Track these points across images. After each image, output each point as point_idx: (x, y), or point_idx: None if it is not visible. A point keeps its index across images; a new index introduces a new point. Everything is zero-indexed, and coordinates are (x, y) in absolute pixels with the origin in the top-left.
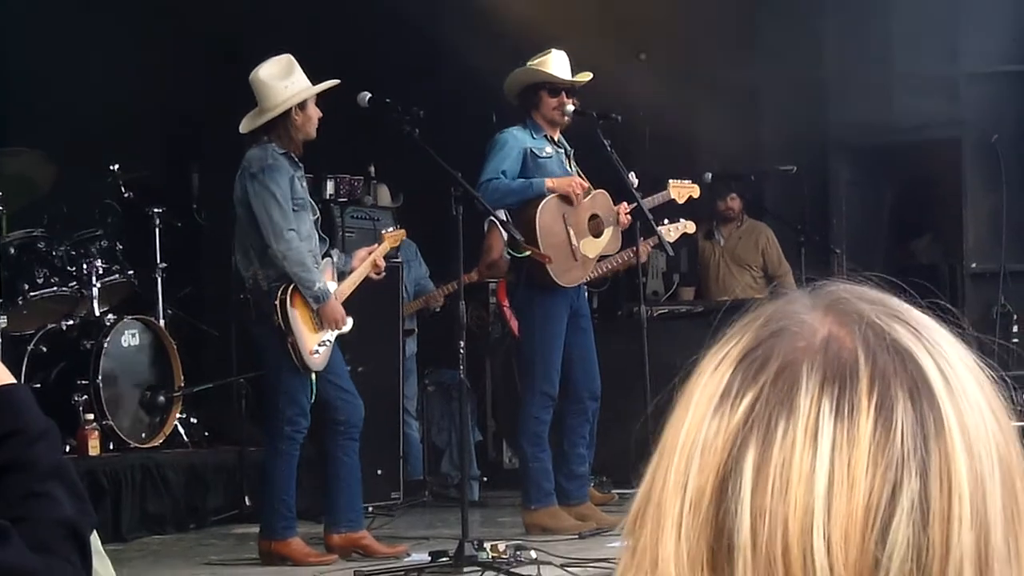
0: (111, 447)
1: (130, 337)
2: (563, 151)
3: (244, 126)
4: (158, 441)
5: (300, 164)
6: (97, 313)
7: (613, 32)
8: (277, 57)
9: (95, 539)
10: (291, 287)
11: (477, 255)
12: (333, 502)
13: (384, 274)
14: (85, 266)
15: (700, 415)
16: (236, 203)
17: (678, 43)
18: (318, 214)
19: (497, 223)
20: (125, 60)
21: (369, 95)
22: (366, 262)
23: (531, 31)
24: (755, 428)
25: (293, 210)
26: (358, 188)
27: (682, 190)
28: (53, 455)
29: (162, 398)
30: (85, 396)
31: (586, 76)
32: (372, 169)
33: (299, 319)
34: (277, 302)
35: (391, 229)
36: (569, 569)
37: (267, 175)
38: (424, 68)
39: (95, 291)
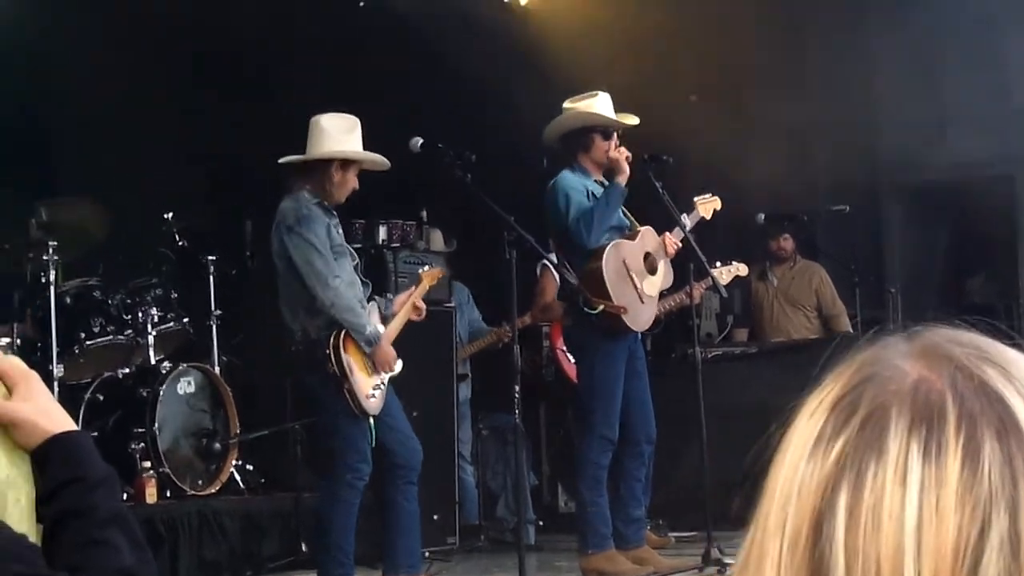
0: (168, 495)
1: (186, 385)
2: None
3: (285, 159)
4: (214, 488)
5: (334, 212)
6: (153, 361)
7: (663, 73)
8: (346, 115)
9: None
10: (342, 333)
11: (530, 299)
12: (392, 547)
13: (424, 316)
14: (140, 314)
15: (796, 459)
16: (275, 257)
17: (729, 83)
18: (357, 259)
19: (551, 267)
20: (171, 106)
21: (421, 140)
22: (407, 305)
23: (579, 73)
24: (847, 470)
25: (333, 258)
26: (411, 233)
27: (707, 205)
28: (113, 502)
29: (218, 445)
30: (142, 444)
31: (633, 119)
32: (424, 214)
33: (353, 364)
34: (330, 349)
35: (426, 268)
36: None
37: (304, 226)
38: (474, 112)
39: (150, 339)
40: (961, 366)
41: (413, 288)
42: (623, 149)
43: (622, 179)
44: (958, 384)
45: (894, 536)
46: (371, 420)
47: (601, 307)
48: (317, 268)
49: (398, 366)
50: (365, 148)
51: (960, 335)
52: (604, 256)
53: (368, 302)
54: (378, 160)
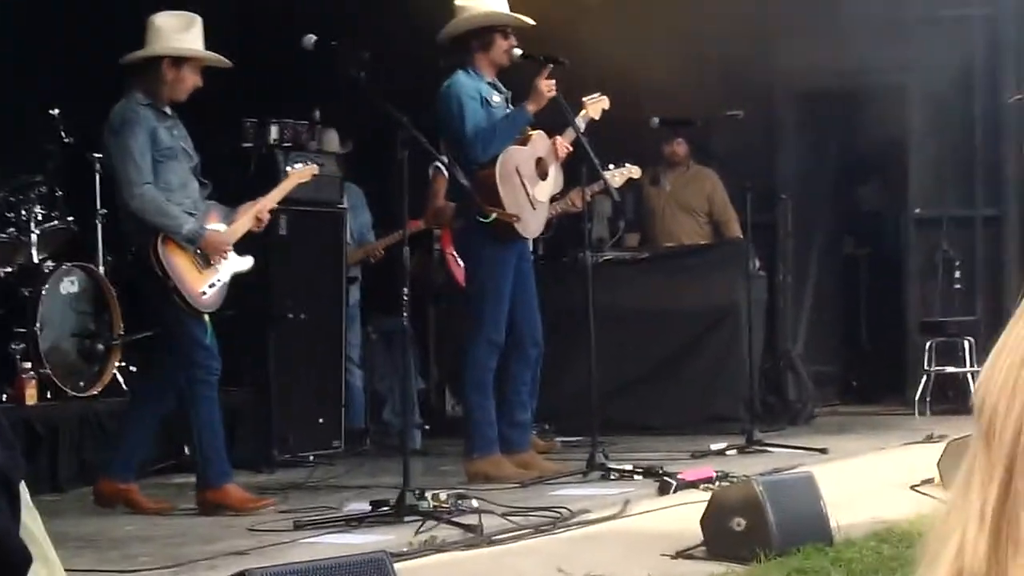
0: (49, 396)
1: (69, 284)
2: (505, 96)
3: (123, 59)
4: (96, 390)
5: (168, 112)
6: (36, 260)
7: None
8: (184, 12)
9: (24, 491)
10: (163, 235)
11: (422, 203)
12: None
13: (262, 227)
14: (24, 212)
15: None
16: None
17: None
18: (195, 160)
19: (443, 169)
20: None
21: (315, 38)
22: (254, 207)
23: None
24: None
25: (158, 160)
26: (303, 133)
27: (596, 104)
28: None
29: (101, 346)
30: (23, 344)
31: (530, 20)
32: (317, 114)
33: (178, 264)
34: (152, 251)
35: (297, 166)
36: (511, 518)
37: (124, 129)
38: (369, 10)
39: (34, 238)
40: None
41: (259, 199)
42: (552, 83)
43: (533, 108)
44: None
45: None
46: (207, 317)
47: (494, 215)
48: (126, 173)
49: (244, 261)
50: (260, 45)
51: None
52: (497, 164)
53: (204, 203)
54: (215, 58)
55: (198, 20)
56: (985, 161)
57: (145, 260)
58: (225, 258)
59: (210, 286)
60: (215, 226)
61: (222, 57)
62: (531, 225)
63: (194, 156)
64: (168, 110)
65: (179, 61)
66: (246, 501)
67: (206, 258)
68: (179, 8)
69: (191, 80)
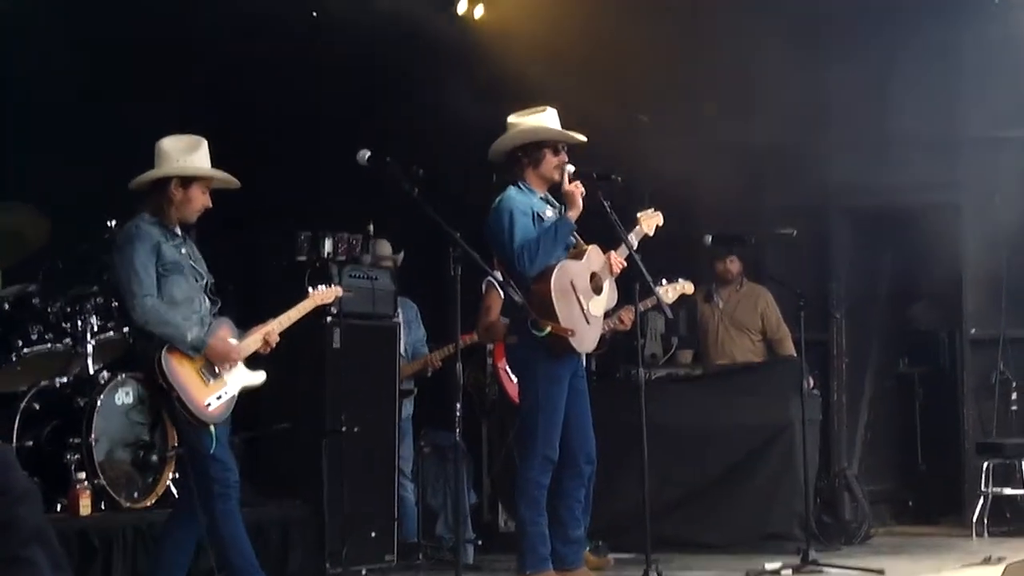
0: (103, 507)
1: (123, 395)
2: (558, 211)
3: (132, 183)
4: (150, 501)
5: (177, 232)
6: (91, 370)
7: (615, 92)
8: (191, 135)
9: None
10: (167, 346)
11: (475, 317)
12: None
13: (268, 349)
14: (79, 322)
15: None
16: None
17: (681, 104)
18: (205, 279)
19: (496, 284)
20: (126, 115)
21: (368, 153)
22: (278, 319)
23: (529, 88)
24: None
25: (162, 275)
26: (357, 246)
27: (650, 220)
28: (35, 518)
29: (155, 458)
30: (77, 455)
31: (582, 136)
32: (371, 228)
33: (182, 374)
34: (156, 363)
35: (321, 288)
36: None
37: (127, 244)
38: (424, 128)
39: (89, 348)
40: None
41: (270, 321)
42: (579, 184)
43: (573, 214)
44: None
45: None
46: (212, 428)
47: (548, 329)
48: (129, 286)
49: (255, 376)
50: (316, 159)
51: None
52: (552, 277)
53: (215, 318)
54: (224, 177)
55: (203, 141)
56: None
57: (151, 372)
58: (232, 367)
59: (217, 398)
60: (231, 341)
61: (230, 176)
62: (585, 340)
63: (204, 275)
64: (178, 231)
65: (186, 181)
66: None
67: (212, 369)
68: (249, 119)
69: (200, 200)
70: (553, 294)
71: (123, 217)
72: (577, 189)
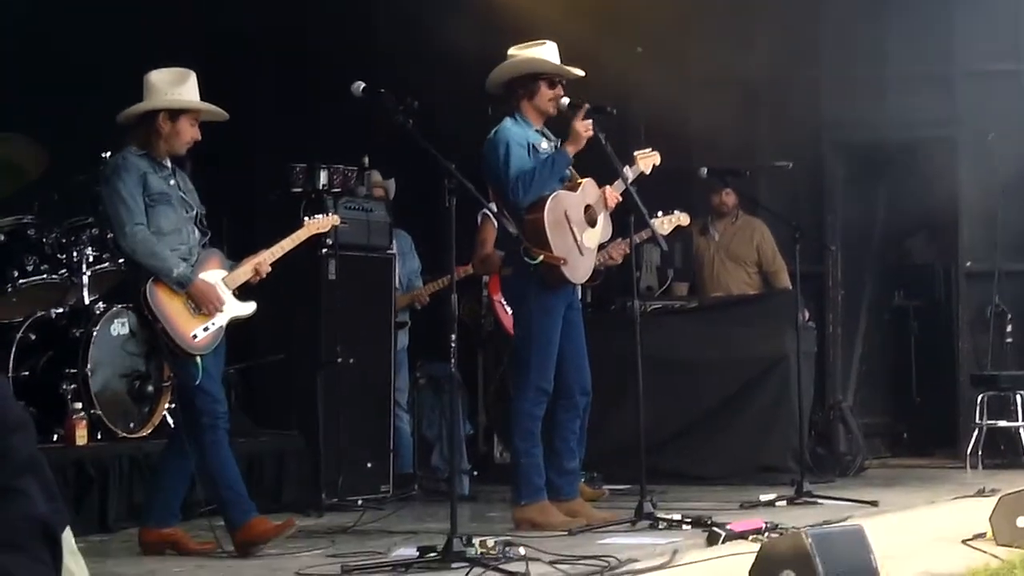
0: (99, 437)
1: (119, 326)
2: (553, 144)
3: (120, 116)
4: (146, 431)
5: (165, 164)
6: (87, 301)
7: (610, 25)
8: (181, 68)
9: (68, 536)
10: (154, 277)
11: (471, 249)
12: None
13: (260, 277)
14: (75, 253)
15: None
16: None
17: (676, 38)
18: (195, 209)
19: (491, 216)
20: (120, 48)
21: (363, 84)
22: (256, 257)
23: (526, 22)
24: None
25: (149, 205)
26: (352, 178)
27: (647, 159)
28: (29, 448)
29: (151, 388)
30: (73, 385)
31: (579, 72)
32: (366, 160)
33: (169, 306)
34: (142, 293)
35: (319, 217)
36: (558, 566)
37: (114, 175)
38: (418, 59)
39: (85, 279)
40: None
41: (261, 251)
42: (589, 123)
43: (572, 149)
44: None
45: None
46: (199, 359)
47: (541, 257)
48: (118, 215)
49: (245, 307)
50: (310, 92)
51: None
52: (545, 207)
53: (205, 249)
54: (212, 109)
55: (192, 74)
56: None
57: (137, 303)
58: (218, 309)
59: (204, 329)
60: (214, 272)
61: (219, 109)
62: (579, 270)
63: (195, 206)
64: (167, 163)
65: (174, 114)
66: (268, 531)
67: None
68: (242, 53)
69: (188, 133)
70: (546, 223)
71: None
72: (586, 129)
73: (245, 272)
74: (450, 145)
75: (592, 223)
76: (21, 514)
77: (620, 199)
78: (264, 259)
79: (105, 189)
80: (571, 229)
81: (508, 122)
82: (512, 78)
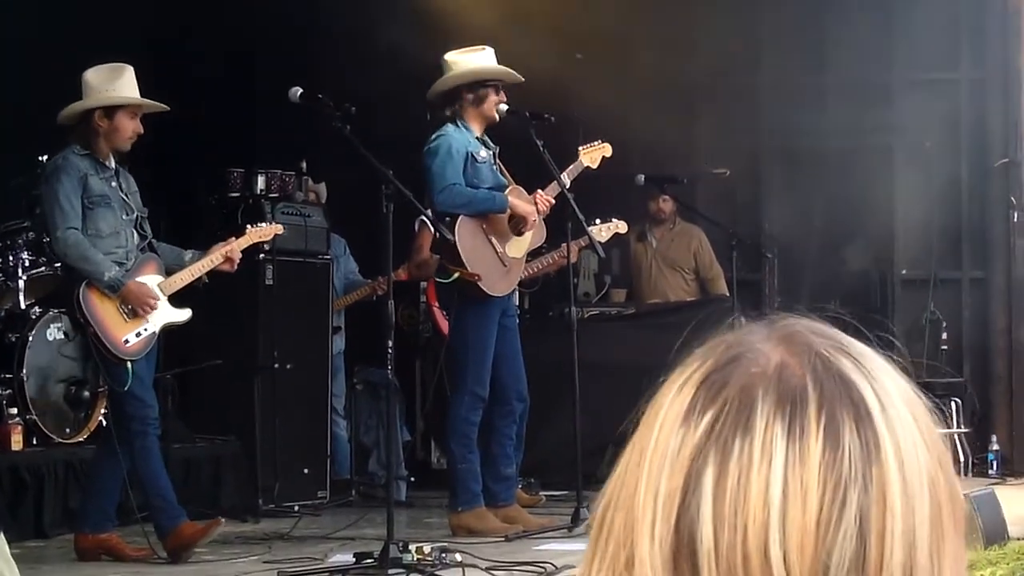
0: (34, 442)
1: (55, 331)
2: (492, 152)
3: (60, 117)
4: (82, 437)
5: (106, 164)
6: (23, 306)
7: (548, 31)
8: (116, 64)
9: (2, 543)
10: (87, 281)
11: (407, 254)
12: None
13: (235, 268)
14: (11, 258)
15: (668, 429)
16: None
17: (615, 44)
18: (136, 212)
19: (428, 222)
20: (58, 48)
21: (300, 90)
22: (209, 255)
23: (465, 26)
24: (714, 445)
25: (88, 207)
26: (289, 184)
27: (593, 153)
28: None
29: (87, 393)
30: (8, 390)
31: (519, 76)
32: (304, 165)
33: (101, 310)
34: (74, 297)
35: (263, 225)
36: (494, 572)
37: (53, 176)
38: (356, 64)
39: (21, 283)
40: (819, 354)
41: (232, 239)
42: (541, 201)
43: (516, 204)
44: (818, 371)
45: (761, 509)
46: (129, 364)
47: (456, 275)
48: (53, 218)
49: (179, 313)
50: (247, 97)
51: (816, 326)
52: (458, 223)
53: (143, 254)
54: (148, 103)
55: (128, 68)
56: (971, 223)
57: (71, 306)
58: (151, 309)
59: (136, 335)
60: (150, 278)
61: (157, 103)
62: (499, 283)
63: (135, 209)
64: (110, 163)
65: (111, 111)
66: (197, 533)
67: (131, 307)
68: (172, 58)
69: (129, 127)
70: (458, 239)
71: (54, 151)
72: (544, 207)
73: (183, 278)
74: (388, 150)
75: (519, 232)
76: None
77: (553, 202)
78: (202, 267)
79: (44, 189)
80: (490, 241)
81: (450, 128)
82: (460, 85)
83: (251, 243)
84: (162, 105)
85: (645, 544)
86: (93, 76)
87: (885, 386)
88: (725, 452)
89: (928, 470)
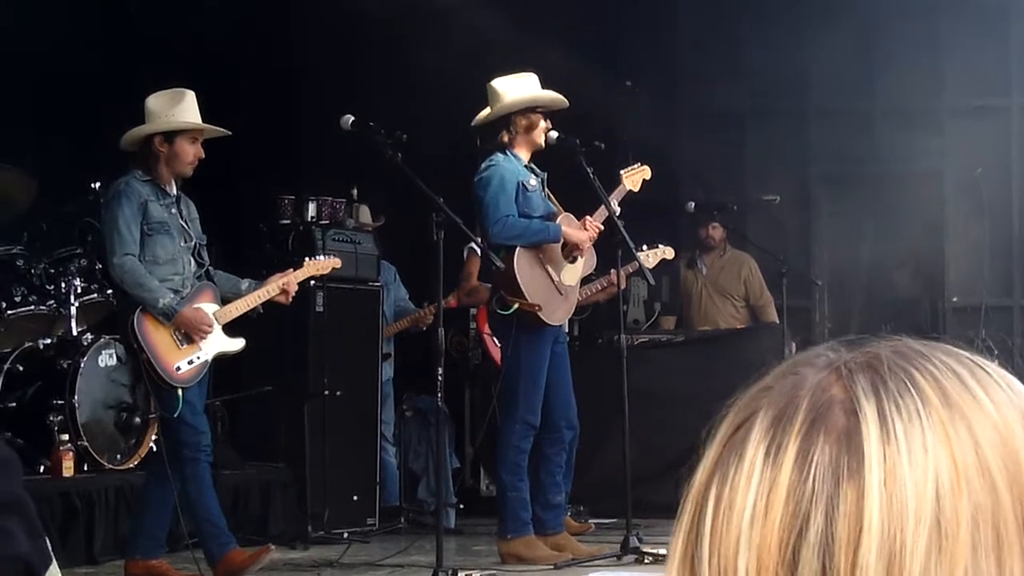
0: (85, 468)
1: (107, 357)
2: (541, 179)
3: (123, 143)
4: (133, 463)
5: (168, 191)
6: (75, 332)
7: (598, 58)
8: (178, 89)
9: (55, 571)
10: (143, 307)
11: (457, 281)
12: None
13: (290, 300)
14: (63, 284)
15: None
16: None
17: (666, 71)
18: (195, 240)
19: (477, 250)
20: (110, 76)
21: (352, 118)
22: (266, 286)
23: (513, 53)
24: (718, 469)
25: (147, 233)
26: (340, 210)
27: (635, 176)
28: (12, 487)
29: (138, 419)
30: (60, 416)
31: (566, 101)
32: (355, 192)
33: (155, 337)
34: (129, 323)
35: (320, 258)
36: None
37: (113, 201)
38: (408, 92)
39: (73, 310)
40: (832, 373)
41: (290, 270)
42: (591, 231)
43: (569, 232)
44: (817, 393)
45: (735, 530)
46: (180, 391)
47: (516, 306)
48: (111, 243)
49: (233, 343)
50: (299, 123)
51: (917, 346)
52: (516, 254)
53: (200, 282)
54: (208, 128)
55: (189, 93)
56: (1023, 250)
57: (124, 332)
58: (205, 336)
59: (188, 362)
60: (205, 306)
61: (217, 127)
62: (557, 312)
63: (194, 236)
64: (171, 188)
65: (170, 136)
66: (247, 560)
67: (186, 334)
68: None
69: (190, 152)
70: (518, 271)
71: (109, 179)
72: (594, 233)
73: (239, 307)
74: (438, 176)
75: (572, 259)
76: (3, 554)
77: (601, 228)
78: (257, 298)
79: (103, 213)
80: (547, 270)
81: (499, 157)
82: (513, 112)
83: (308, 275)
84: (223, 130)
85: (673, 570)
86: (154, 101)
87: (952, 403)
88: (724, 477)
89: (944, 503)
